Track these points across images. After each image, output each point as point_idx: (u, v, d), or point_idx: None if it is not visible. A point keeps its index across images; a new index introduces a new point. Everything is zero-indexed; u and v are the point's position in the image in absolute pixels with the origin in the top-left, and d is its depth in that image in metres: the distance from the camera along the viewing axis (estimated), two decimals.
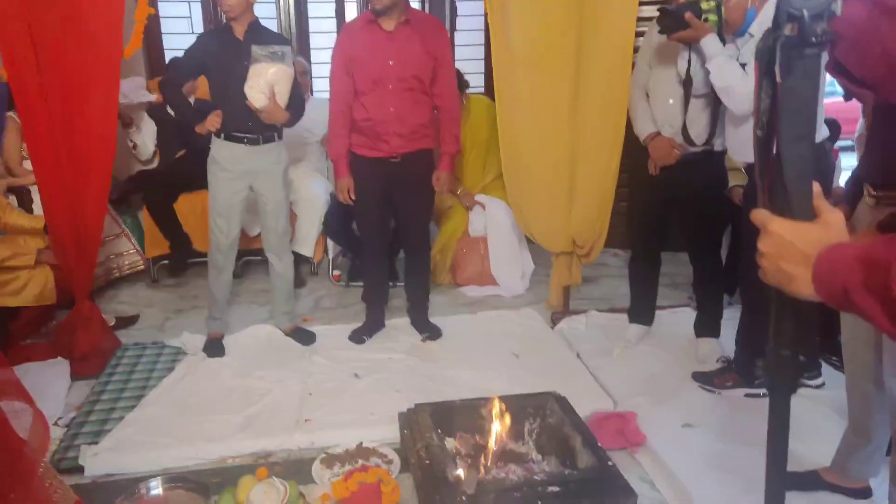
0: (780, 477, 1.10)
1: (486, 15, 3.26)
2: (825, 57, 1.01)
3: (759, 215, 0.89)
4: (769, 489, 1.11)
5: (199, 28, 4.89)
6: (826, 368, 2.91)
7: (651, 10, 4.14)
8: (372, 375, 3.05)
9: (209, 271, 3.28)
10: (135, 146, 4.36)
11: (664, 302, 3.67)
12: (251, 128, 3.05)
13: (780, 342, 1.03)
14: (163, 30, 4.90)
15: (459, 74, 4.13)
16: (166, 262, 4.34)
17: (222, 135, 3.08)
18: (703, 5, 2.64)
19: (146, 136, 4.38)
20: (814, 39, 0.86)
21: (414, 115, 3.12)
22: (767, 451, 1.09)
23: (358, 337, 3.42)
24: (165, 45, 4.92)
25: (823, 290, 0.81)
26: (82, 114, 2.88)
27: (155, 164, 4.50)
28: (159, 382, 2.98)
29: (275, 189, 3.18)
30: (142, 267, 4.25)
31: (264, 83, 2.93)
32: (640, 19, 3.61)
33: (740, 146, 2.69)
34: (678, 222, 3.16)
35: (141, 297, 4.11)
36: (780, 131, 0.88)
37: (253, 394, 2.87)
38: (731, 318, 3.17)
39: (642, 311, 3.39)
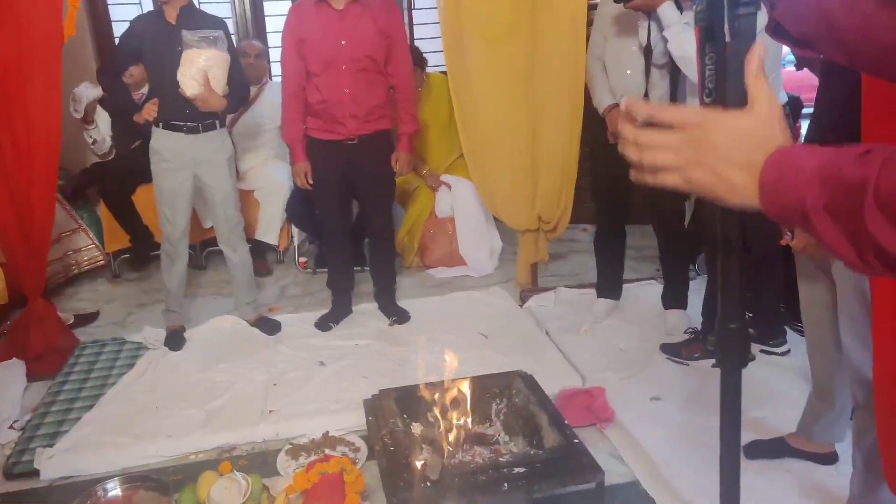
0: (733, 452, 1.08)
1: None
2: (764, 18, 0.97)
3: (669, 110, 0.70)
4: (724, 467, 1.08)
5: None
6: (791, 334, 2.92)
7: None
8: (338, 362, 3.00)
9: (162, 262, 3.21)
10: (94, 142, 4.23)
11: (631, 275, 3.66)
12: (189, 115, 2.96)
13: (727, 314, 1.00)
14: (112, 17, 4.74)
15: (418, 52, 4.06)
16: (127, 255, 4.24)
17: (160, 124, 2.99)
18: None
19: (103, 130, 4.25)
20: None
21: (369, 96, 3.04)
22: (721, 427, 1.06)
23: (324, 324, 3.36)
24: (116, 32, 4.76)
25: (774, 207, 0.63)
26: (22, 105, 2.77)
27: (112, 157, 4.37)
28: (119, 380, 2.91)
29: (220, 178, 3.09)
30: (102, 262, 4.15)
31: (196, 70, 2.83)
32: None
33: None
34: (641, 194, 3.13)
35: (102, 293, 4.01)
36: (727, 98, 0.83)
37: (216, 387, 2.81)
38: (698, 290, 3.17)
39: (609, 285, 3.37)
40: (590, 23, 3.13)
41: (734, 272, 0.94)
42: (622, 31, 2.88)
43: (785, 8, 0.98)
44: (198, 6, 3.06)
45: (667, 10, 2.58)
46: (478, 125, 3.36)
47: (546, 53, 3.22)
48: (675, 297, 3.22)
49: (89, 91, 3.84)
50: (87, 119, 4.07)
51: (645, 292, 3.56)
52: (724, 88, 0.84)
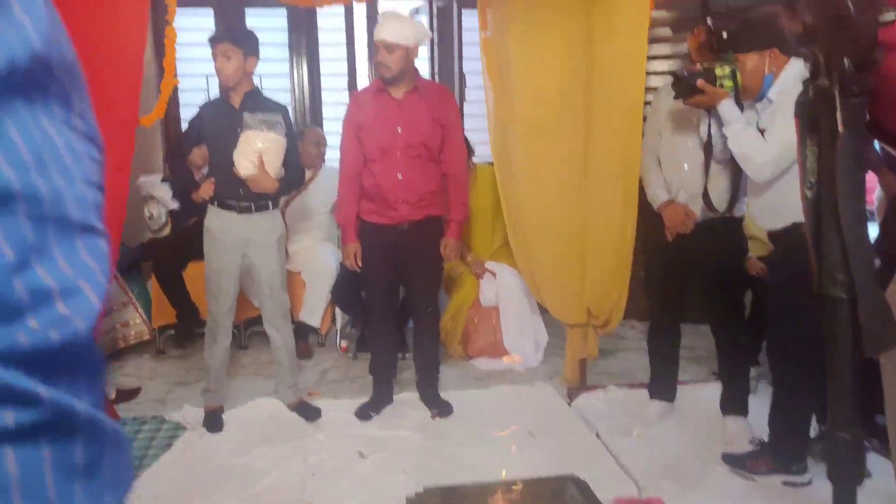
0: None
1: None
2: None
3: None
4: None
5: None
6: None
7: (656, 80, 4.14)
8: (378, 454, 2.89)
9: (206, 340, 3.19)
10: (150, 216, 4.35)
11: (686, 376, 3.50)
12: (243, 195, 3.01)
13: (838, 424, 0.90)
14: (181, 101, 4.95)
15: (465, 141, 4.11)
16: (173, 332, 4.24)
17: (215, 202, 3.05)
18: (718, 71, 2.60)
19: (162, 207, 4.37)
20: (856, 88, 0.78)
21: (422, 183, 3.07)
22: None
23: (364, 413, 3.27)
24: (182, 115, 4.96)
25: None
26: None
27: (166, 233, 4.47)
28: (155, 461, 2.84)
29: (268, 258, 3.11)
30: (147, 337, 4.16)
31: (252, 151, 2.90)
32: (648, 89, 3.61)
33: (763, 212, 2.59)
34: (698, 291, 3.03)
35: (145, 369, 4.00)
36: (838, 187, 0.77)
37: (252, 475, 2.72)
38: (758, 395, 3.01)
39: (663, 386, 3.22)
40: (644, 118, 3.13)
41: (846, 373, 0.85)
42: (679, 125, 2.87)
43: (886, 105, 0.93)
44: (262, 92, 3.15)
45: (727, 108, 2.56)
46: (523, 214, 3.35)
47: (599, 145, 3.23)
48: (734, 403, 3.04)
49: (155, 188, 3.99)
50: (147, 196, 4.20)
51: (701, 395, 3.38)
52: (832, 179, 0.79)
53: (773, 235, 2.63)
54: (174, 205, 4.27)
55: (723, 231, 2.86)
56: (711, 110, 2.67)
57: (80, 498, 0.38)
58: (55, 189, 0.40)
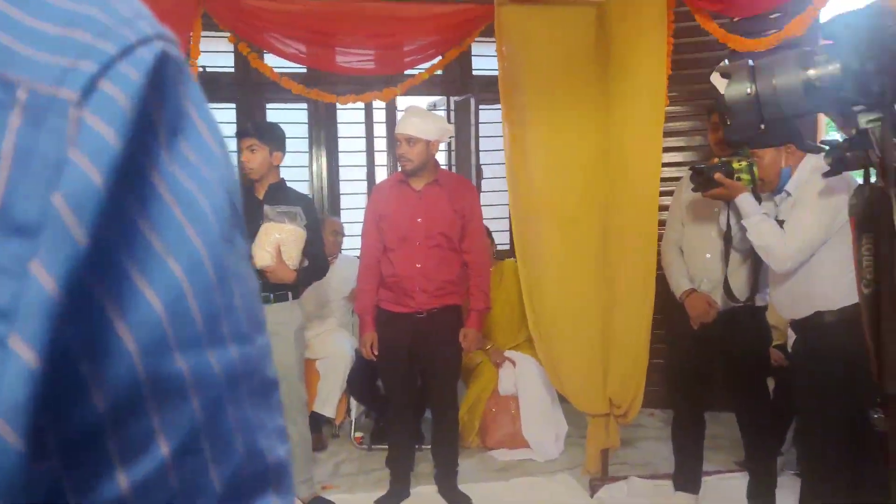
0: None
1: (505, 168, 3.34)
2: None
3: None
4: None
5: None
6: None
7: (672, 171, 4.25)
8: None
9: None
10: None
11: (709, 466, 3.40)
12: (261, 286, 3.03)
13: None
14: None
15: (488, 233, 4.18)
16: None
17: None
18: (735, 165, 2.67)
19: None
20: None
21: (440, 272, 3.10)
22: None
23: None
24: None
25: None
26: None
27: None
28: None
29: (286, 350, 3.06)
30: None
31: (270, 242, 2.94)
32: (663, 180, 3.70)
33: (785, 302, 2.60)
34: (723, 381, 3.00)
35: None
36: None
37: None
38: (784, 486, 2.92)
39: (688, 477, 3.13)
40: (663, 208, 3.19)
41: None
42: (700, 216, 2.92)
43: None
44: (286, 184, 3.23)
45: (745, 201, 2.61)
46: (545, 304, 3.36)
47: (617, 235, 3.27)
48: (762, 494, 2.95)
49: None
50: None
51: (726, 486, 3.28)
52: (892, 276, 0.80)
53: (797, 324, 2.63)
54: None
55: (746, 320, 2.86)
56: (730, 203, 2.72)
57: None
58: (262, 349, 0.35)
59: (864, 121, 0.90)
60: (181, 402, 0.30)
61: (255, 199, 3.07)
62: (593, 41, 3.25)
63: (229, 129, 4.72)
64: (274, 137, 3.07)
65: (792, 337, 3.32)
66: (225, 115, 4.82)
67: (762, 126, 1.00)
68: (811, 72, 0.92)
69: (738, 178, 2.63)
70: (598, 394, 3.35)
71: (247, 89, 4.74)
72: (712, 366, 2.97)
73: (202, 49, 3.31)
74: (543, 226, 3.31)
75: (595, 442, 3.46)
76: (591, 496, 3.32)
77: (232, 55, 4.74)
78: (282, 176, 3.19)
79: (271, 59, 3.82)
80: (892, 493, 0.87)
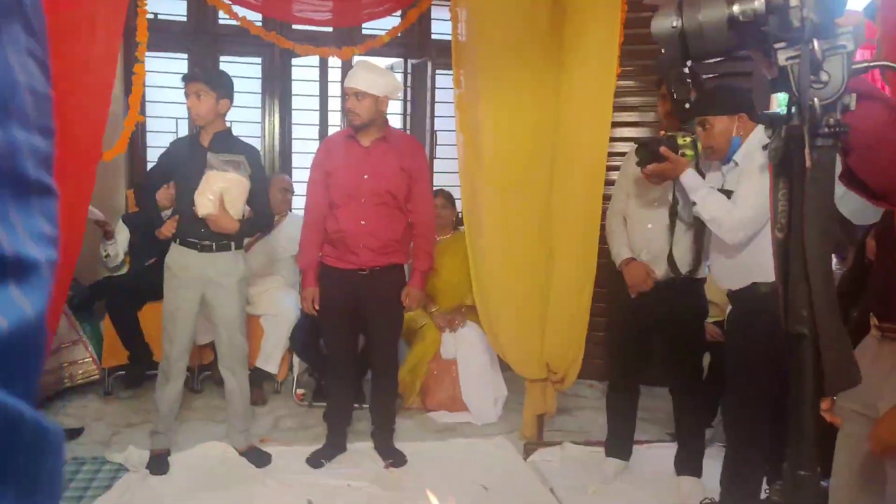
0: None
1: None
2: (838, 165, 0.98)
3: None
4: None
5: None
6: None
7: (623, 146, 4.29)
8: (328, 503, 2.80)
9: (157, 381, 3.12)
10: (107, 256, 4.27)
11: (642, 437, 3.49)
12: (204, 234, 3.00)
13: (799, 462, 0.91)
14: (147, 143, 4.95)
15: (450, 195, 4.16)
16: (123, 372, 4.12)
17: (177, 240, 3.03)
18: (679, 140, 2.69)
19: (120, 246, 4.31)
20: (826, 130, 0.82)
21: (386, 230, 3.09)
22: None
23: (316, 460, 3.19)
24: (148, 156, 4.96)
25: None
26: None
27: (124, 271, 4.39)
28: (93, 502, 2.71)
29: (227, 300, 3.06)
30: (96, 377, 4.03)
31: (213, 190, 2.91)
32: (614, 154, 3.72)
33: (724, 272, 2.65)
34: (658, 351, 3.06)
35: (90, 410, 3.86)
36: (805, 227, 0.81)
37: None
38: (712, 457, 3.01)
39: (620, 444, 3.21)
40: (609, 182, 3.23)
41: (806, 411, 0.87)
42: (646, 187, 2.96)
43: (860, 156, 0.98)
44: (232, 133, 3.17)
45: (689, 176, 2.63)
46: (489, 270, 3.39)
47: (561, 205, 3.30)
48: (689, 463, 3.05)
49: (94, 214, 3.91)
50: (109, 234, 4.14)
51: (656, 455, 3.37)
52: (801, 219, 0.82)
53: (733, 295, 2.68)
54: (124, 249, 4.22)
55: (684, 292, 2.91)
56: (675, 181, 2.73)
57: None
58: (12, 139, 0.32)
59: (783, 58, 0.91)
60: None
61: (200, 147, 3.01)
62: (549, 8, 3.24)
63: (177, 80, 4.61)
64: (222, 84, 3.01)
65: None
66: (177, 66, 4.69)
67: (688, 63, 1.00)
68: (735, 7, 0.92)
69: (683, 154, 2.66)
70: (535, 358, 3.40)
71: (200, 39, 4.62)
72: (649, 336, 3.03)
73: None
74: (489, 192, 3.32)
75: (532, 407, 3.52)
76: (525, 459, 3.37)
77: (185, 3, 4.61)
78: (228, 125, 3.12)
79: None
80: (792, 432, 0.90)
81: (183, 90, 3.01)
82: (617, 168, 4.23)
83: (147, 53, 3.24)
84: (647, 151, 2.72)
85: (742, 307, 2.61)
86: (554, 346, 3.39)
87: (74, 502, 2.73)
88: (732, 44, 0.95)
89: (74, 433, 3.45)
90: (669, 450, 3.34)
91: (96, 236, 4.09)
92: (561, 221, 3.31)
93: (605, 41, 3.11)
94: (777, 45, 0.91)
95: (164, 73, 4.44)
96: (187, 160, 3.00)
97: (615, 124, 4.08)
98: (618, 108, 4.08)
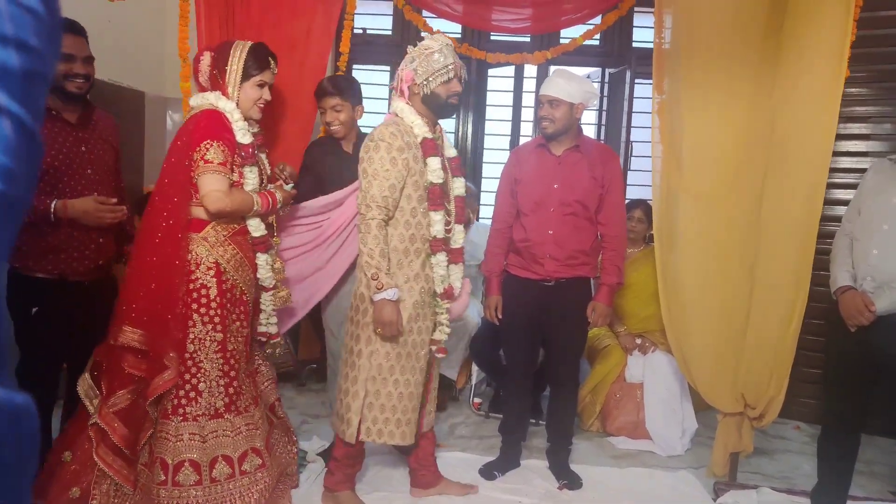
0: None
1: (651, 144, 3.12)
2: None
3: None
4: None
5: None
6: None
7: (851, 161, 3.80)
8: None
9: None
10: None
11: (857, 492, 3.04)
12: None
13: None
14: None
15: (646, 212, 3.93)
16: (315, 366, 4.37)
17: None
18: None
19: None
20: None
21: (573, 240, 2.97)
22: None
23: (489, 472, 3.14)
24: None
25: None
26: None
27: None
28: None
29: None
30: (291, 368, 4.31)
31: None
32: (842, 170, 3.29)
33: None
34: (886, 399, 2.64)
35: (285, 398, 4.11)
36: None
37: None
38: None
39: (832, 497, 2.81)
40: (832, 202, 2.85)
41: None
42: (878, 206, 2.58)
43: None
44: None
45: None
46: (681, 288, 3.12)
47: (771, 225, 2.96)
48: None
49: None
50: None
51: None
52: None
53: None
54: None
55: None
56: None
57: None
58: None
59: None
60: None
61: (344, 154, 3.09)
62: (767, 7, 2.94)
63: (385, 92, 4.83)
64: (354, 93, 3.07)
65: None
66: (381, 77, 4.93)
67: None
68: None
69: None
70: (729, 389, 3.08)
71: (402, 52, 4.81)
72: (873, 378, 2.61)
73: (362, 12, 3.40)
74: (686, 207, 3.07)
75: (724, 443, 3.19)
76: (714, 499, 3.07)
77: (391, 18, 4.84)
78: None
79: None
80: None
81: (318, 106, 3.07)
82: (840, 186, 3.78)
83: (355, 65, 3.45)
84: None
85: None
86: (752, 377, 3.04)
87: None
88: None
89: None
90: None
91: None
92: (769, 240, 2.96)
93: (832, 42, 2.74)
94: None
95: (372, 84, 4.69)
96: (334, 166, 3.05)
97: (840, 136, 3.65)
98: (844, 119, 3.64)
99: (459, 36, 4.21)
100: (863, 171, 3.78)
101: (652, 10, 3.16)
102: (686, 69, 3.04)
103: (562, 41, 4.48)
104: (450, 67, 2.51)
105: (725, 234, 2.98)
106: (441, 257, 2.59)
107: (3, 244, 0.31)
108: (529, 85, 4.72)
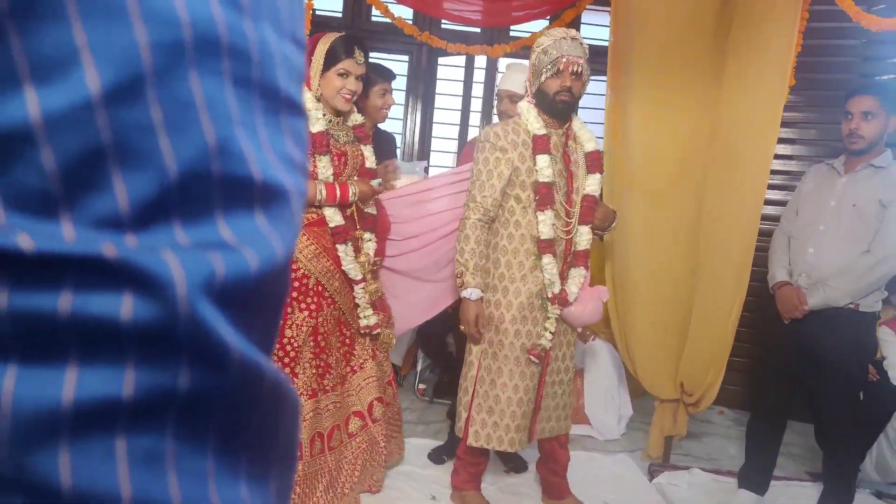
0: None
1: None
2: None
3: None
4: None
5: None
6: None
7: (778, 164, 4.03)
8: (449, 500, 2.80)
9: None
10: None
11: (779, 472, 3.27)
12: None
13: None
14: None
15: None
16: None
17: None
18: None
19: None
20: None
21: None
22: None
23: (438, 456, 3.20)
24: None
25: None
26: None
27: None
28: None
29: None
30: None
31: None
32: (775, 173, 3.47)
33: None
34: (811, 388, 2.83)
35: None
36: None
37: None
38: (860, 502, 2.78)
39: (757, 477, 3.02)
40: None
41: None
42: (813, 209, 2.78)
43: None
44: None
45: None
46: (628, 280, 3.27)
47: (714, 220, 3.13)
48: None
49: None
50: None
51: (794, 493, 3.16)
52: None
53: None
54: None
55: (845, 325, 2.68)
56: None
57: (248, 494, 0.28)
58: (265, 44, 0.28)
59: None
60: (118, 23, 0.23)
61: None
62: (715, 13, 3.09)
63: None
64: (393, 77, 3.12)
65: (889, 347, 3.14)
66: None
67: None
68: None
69: None
70: (670, 378, 3.25)
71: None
72: (802, 368, 2.81)
73: None
74: (634, 201, 3.20)
75: (661, 427, 3.38)
76: (650, 480, 3.24)
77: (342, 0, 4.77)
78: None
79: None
80: None
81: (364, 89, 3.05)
82: (775, 187, 4.01)
83: None
84: None
85: None
86: (692, 367, 3.23)
87: None
88: None
89: None
90: (809, 489, 3.13)
91: None
92: (712, 237, 3.14)
93: (778, 50, 2.91)
94: None
95: None
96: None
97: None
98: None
99: (411, 20, 4.20)
100: (789, 173, 4.05)
101: (602, 8, 3.27)
102: (636, 68, 3.17)
103: (511, 33, 4.55)
104: (558, 61, 2.33)
105: (670, 229, 3.14)
106: (548, 259, 2.44)
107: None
108: (479, 75, 4.77)
